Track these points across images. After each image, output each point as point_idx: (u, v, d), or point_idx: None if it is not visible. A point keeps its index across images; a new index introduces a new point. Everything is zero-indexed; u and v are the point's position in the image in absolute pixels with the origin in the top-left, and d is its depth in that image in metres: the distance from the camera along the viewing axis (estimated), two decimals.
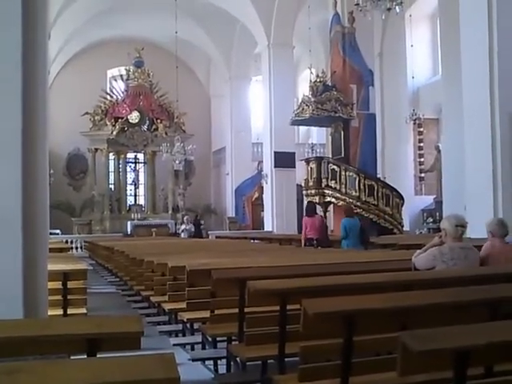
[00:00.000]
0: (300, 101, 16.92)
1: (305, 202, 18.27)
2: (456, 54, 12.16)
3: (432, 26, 23.22)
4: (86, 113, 26.34)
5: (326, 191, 15.56)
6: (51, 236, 18.61)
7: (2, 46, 3.56)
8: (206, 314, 4.98)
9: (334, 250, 10.78)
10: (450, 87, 16.23)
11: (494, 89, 10.16)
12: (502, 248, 5.16)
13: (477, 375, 2.71)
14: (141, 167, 29.20)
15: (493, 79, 10.15)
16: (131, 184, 28.88)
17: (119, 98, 27.66)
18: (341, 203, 15.39)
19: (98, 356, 2.32)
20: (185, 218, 20.66)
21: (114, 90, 28.40)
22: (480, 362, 2.44)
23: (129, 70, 27.61)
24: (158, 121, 27.29)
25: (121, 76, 28.80)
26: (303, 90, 22.12)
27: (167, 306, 6.45)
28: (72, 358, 2.43)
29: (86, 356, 2.32)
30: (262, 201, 24.56)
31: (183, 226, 20.23)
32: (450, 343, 2.17)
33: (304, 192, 16.64)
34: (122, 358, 1.88)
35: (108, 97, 27.60)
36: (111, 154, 27.78)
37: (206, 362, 5.41)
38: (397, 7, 11.53)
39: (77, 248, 22.57)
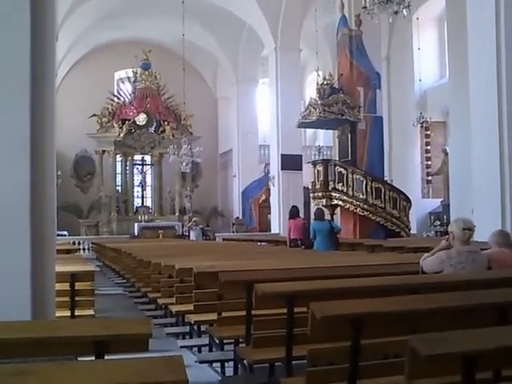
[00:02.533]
0: (307, 103, 16.90)
1: (312, 205, 18.30)
2: (463, 57, 12.13)
3: (439, 29, 23.18)
4: (94, 115, 26.40)
5: (333, 194, 15.52)
6: (58, 237, 18.65)
7: (11, 49, 3.57)
8: (214, 316, 4.98)
9: (340, 252, 10.77)
10: (457, 90, 16.19)
11: (501, 92, 10.12)
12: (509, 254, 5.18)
13: (485, 380, 2.69)
14: (148, 169, 29.27)
15: (500, 82, 10.11)
16: (138, 186, 28.96)
17: (126, 100, 27.71)
18: (348, 206, 15.38)
19: (105, 358, 2.32)
20: (193, 220, 20.49)
21: (121, 92, 28.47)
22: (488, 366, 2.43)
23: (136, 72, 27.65)
24: (165, 123, 27.31)
25: (128, 78, 28.88)
26: (310, 92, 22.10)
27: (174, 308, 6.45)
28: (79, 359, 2.43)
29: (93, 358, 2.33)
30: (269, 203, 24.56)
31: (193, 226, 20.07)
32: (458, 347, 2.16)
33: (311, 195, 16.62)
34: (130, 360, 1.89)
35: (115, 99, 27.65)
36: (118, 156, 27.85)
37: (213, 365, 5.42)
38: (404, 10, 11.51)
39: (84, 249, 22.63)
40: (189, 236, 20.84)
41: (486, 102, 10.45)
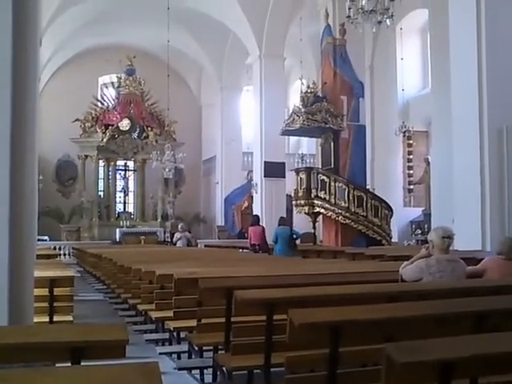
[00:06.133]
0: (291, 111, 16.95)
1: (294, 212, 18.34)
2: (446, 68, 12.25)
3: (422, 40, 23.37)
4: (77, 119, 26.28)
5: (316, 202, 15.55)
6: (39, 242, 18.51)
7: None
8: (193, 322, 4.97)
9: (321, 260, 10.80)
10: (440, 100, 16.32)
11: (482, 102, 10.24)
12: (503, 264, 5.27)
13: None
14: (130, 175, 29.14)
15: (481, 93, 10.23)
16: (121, 191, 28.82)
17: (110, 105, 27.63)
18: (330, 214, 15.42)
19: (82, 364, 2.30)
20: (179, 226, 19.87)
21: (105, 98, 28.35)
22: (464, 374, 2.45)
23: (120, 78, 27.59)
24: (149, 129, 27.26)
25: (112, 83, 28.76)
26: (294, 100, 22.17)
27: (154, 315, 6.43)
28: (57, 365, 2.41)
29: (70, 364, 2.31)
30: (252, 210, 24.54)
31: (179, 235, 19.02)
32: (434, 355, 2.18)
33: (293, 202, 16.64)
34: (105, 367, 1.87)
35: (99, 104, 27.56)
36: (101, 161, 27.70)
37: (193, 371, 5.40)
38: (387, 20, 11.60)
39: (65, 255, 22.49)
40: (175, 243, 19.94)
41: (467, 112, 10.56)
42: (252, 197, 24.39)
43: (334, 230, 15.81)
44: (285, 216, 14.65)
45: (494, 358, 2.30)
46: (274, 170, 22.11)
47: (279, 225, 13.54)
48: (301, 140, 28.86)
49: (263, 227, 14.75)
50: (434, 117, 17.78)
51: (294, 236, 13.39)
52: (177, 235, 19.22)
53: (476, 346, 2.35)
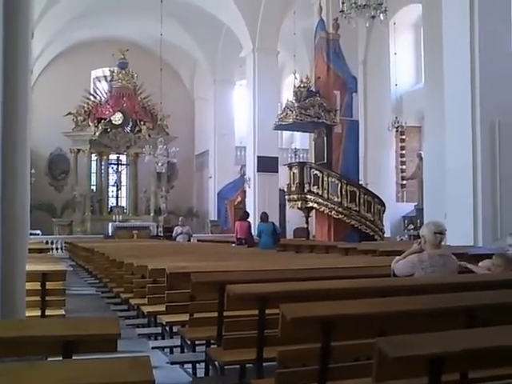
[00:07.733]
0: (284, 106, 16.94)
1: (287, 207, 18.36)
2: (439, 63, 12.28)
3: (416, 35, 23.41)
4: (69, 113, 26.16)
5: (309, 196, 15.56)
6: (31, 236, 18.45)
7: None
8: (186, 317, 4.97)
9: (314, 255, 10.82)
10: (433, 95, 16.36)
11: (475, 97, 10.28)
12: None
13: (452, 381, 2.73)
14: (123, 169, 29.07)
15: (474, 88, 10.26)
16: (113, 185, 28.75)
17: (103, 98, 27.51)
18: (323, 209, 15.43)
19: (73, 358, 2.30)
20: (180, 219, 19.23)
21: (97, 91, 28.23)
22: (455, 368, 2.46)
23: (113, 71, 27.47)
24: (142, 122, 27.17)
25: (105, 77, 28.63)
26: (287, 95, 22.16)
27: (146, 309, 6.42)
28: (49, 359, 2.41)
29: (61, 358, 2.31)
30: (245, 205, 24.55)
31: (179, 229, 18.02)
32: (424, 350, 2.19)
33: (286, 197, 16.65)
34: (97, 361, 1.88)
35: (91, 97, 27.43)
36: (93, 155, 27.62)
37: (185, 366, 5.40)
38: (381, 15, 11.62)
39: (57, 249, 22.45)
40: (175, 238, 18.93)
41: (460, 107, 10.59)
42: (245, 191, 24.39)
43: (326, 224, 15.83)
44: (266, 211, 14.93)
45: (485, 353, 2.31)
46: (266, 165, 22.14)
47: (261, 220, 14.14)
48: (294, 135, 28.89)
49: (250, 223, 15.31)
50: (427, 112, 17.83)
51: (276, 231, 14.10)
52: (177, 230, 18.28)
53: (467, 340, 2.36)
